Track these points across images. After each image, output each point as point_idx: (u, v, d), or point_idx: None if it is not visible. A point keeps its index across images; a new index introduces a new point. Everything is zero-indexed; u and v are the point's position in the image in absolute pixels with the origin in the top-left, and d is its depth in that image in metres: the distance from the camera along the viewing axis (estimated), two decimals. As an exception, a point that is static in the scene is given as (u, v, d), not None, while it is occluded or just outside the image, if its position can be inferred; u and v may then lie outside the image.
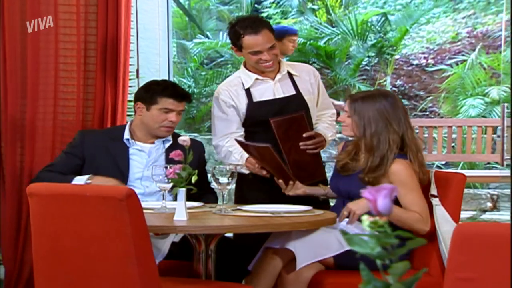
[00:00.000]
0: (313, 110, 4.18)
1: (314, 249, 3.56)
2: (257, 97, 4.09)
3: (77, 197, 3.09)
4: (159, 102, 3.97)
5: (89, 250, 3.09)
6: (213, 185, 3.67)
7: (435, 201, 3.68)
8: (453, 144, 8.01)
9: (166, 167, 3.50)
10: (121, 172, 3.92)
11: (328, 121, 4.26)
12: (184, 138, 3.48)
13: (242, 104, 4.07)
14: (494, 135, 7.65)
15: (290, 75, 4.17)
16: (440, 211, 3.66)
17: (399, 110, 3.64)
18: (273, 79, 4.11)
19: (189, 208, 3.39)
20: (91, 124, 5.06)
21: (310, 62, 11.31)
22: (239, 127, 4.09)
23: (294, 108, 4.04)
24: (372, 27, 10.98)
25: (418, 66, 12.46)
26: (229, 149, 4.05)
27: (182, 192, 3.39)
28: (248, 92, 4.09)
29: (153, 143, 4.05)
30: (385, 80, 11.41)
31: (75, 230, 3.11)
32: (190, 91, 10.47)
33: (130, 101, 5.34)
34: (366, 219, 1.71)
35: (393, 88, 11.64)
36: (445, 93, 10.84)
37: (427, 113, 11.61)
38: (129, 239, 3.00)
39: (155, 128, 4.00)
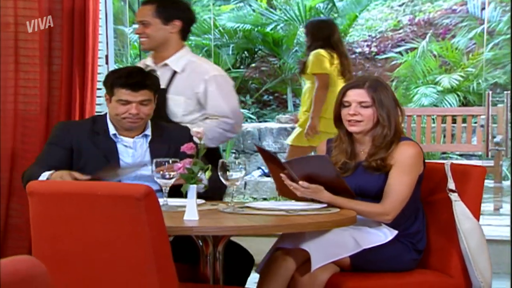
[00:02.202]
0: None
1: (330, 248, 3.37)
2: None
3: (86, 197, 2.83)
4: (115, 93, 3.65)
5: (99, 256, 2.83)
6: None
7: (454, 197, 3.53)
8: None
9: (168, 162, 3.27)
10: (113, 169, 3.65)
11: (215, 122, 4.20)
12: (198, 130, 3.22)
13: None
14: (475, 124, 7.60)
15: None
16: (460, 208, 3.51)
17: None
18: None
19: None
20: (56, 115, 4.78)
21: (256, 49, 11.13)
22: None
23: None
24: (320, 13, 10.83)
25: (361, 54, 12.40)
26: None
27: (193, 189, 3.15)
28: None
29: (133, 137, 3.75)
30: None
31: (82, 234, 2.84)
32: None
33: (99, 89, 5.07)
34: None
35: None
36: (396, 81, 10.77)
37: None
38: (147, 243, 2.75)
39: (119, 121, 3.69)
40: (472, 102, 10.30)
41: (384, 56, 11.18)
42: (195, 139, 3.27)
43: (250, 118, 10.49)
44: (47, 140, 3.84)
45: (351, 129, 3.54)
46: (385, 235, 3.47)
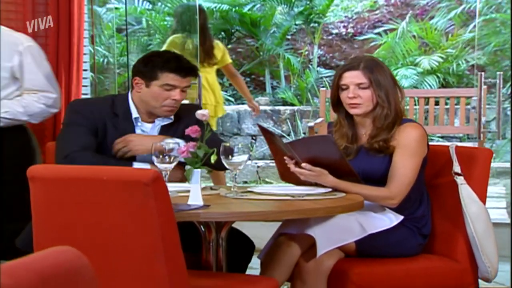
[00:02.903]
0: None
1: (335, 234, 3.31)
2: None
3: (91, 182, 2.74)
4: (160, 77, 3.52)
5: (105, 244, 2.74)
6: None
7: (460, 180, 3.48)
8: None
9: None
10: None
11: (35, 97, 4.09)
12: (203, 112, 3.14)
13: None
14: (468, 106, 7.58)
15: None
16: (466, 191, 3.46)
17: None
18: None
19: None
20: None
21: (233, 30, 11.02)
22: None
23: None
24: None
25: (337, 35, 12.35)
26: None
27: (197, 173, 3.07)
28: None
29: (153, 122, 3.65)
30: (307, 50, 11.21)
31: (87, 221, 2.75)
32: (105, 61, 10.05)
33: (85, 70, 4.98)
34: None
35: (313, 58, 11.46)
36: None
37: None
38: (156, 231, 2.67)
39: (156, 108, 3.57)
40: (451, 83, 10.30)
41: (363, 37, 11.13)
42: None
43: (228, 100, 10.40)
44: (67, 120, 3.64)
45: (353, 111, 3.48)
46: (390, 220, 3.42)
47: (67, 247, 1.35)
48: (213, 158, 3.11)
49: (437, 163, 3.58)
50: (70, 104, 3.73)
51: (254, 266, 3.72)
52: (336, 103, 3.56)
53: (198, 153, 3.07)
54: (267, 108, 9.82)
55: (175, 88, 3.53)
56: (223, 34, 10.97)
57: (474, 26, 10.37)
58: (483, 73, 6.01)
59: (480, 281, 3.52)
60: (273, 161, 8.88)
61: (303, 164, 3.28)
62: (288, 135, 9.62)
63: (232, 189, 3.32)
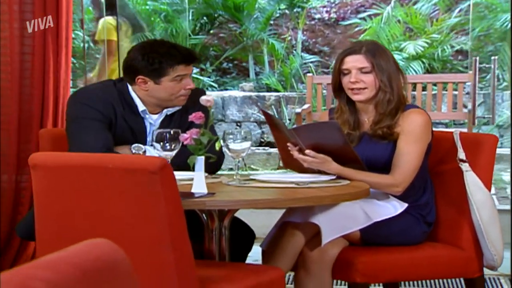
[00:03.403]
0: None
1: (340, 222, 3.27)
2: None
3: (96, 170, 2.68)
4: (169, 73, 3.45)
5: (110, 234, 2.68)
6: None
7: (465, 167, 3.45)
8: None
9: (169, 133, 3.13)
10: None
11: None
12: (208, 98, 3.09)
13: None
14: (455, 92, 7.55)
15: None
16: (471, 178, 3.43)
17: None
18: None
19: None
20: (29, 84, 4.59)
21: (216, 15, 10.95)
22: None
23: None
24: (281, -22, 10.71)
25: (320, 20, 12.31)
26: None
27: (201, 161, 3.02)
28: None
29: (160, 112, 3.58)
30: (290, 35, 11.16)
31: (91, 209, 2.70)
32: (86, 46, 9.94)
33: (74, 55, 4.91)
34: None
35: (296, 43, 11.41)
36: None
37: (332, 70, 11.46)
38: (163, 220, 2.62)
39: (172, 100, 3.51)
40: (436, 69, 10.29)
41: (348, 22, 11.09)
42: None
43: (212, 86, 10.33)
44: (79, 114, 3.51)
45: (356, 97, 3.44)
46: (395, 207, 3.39)
47: (102, 240, 1.30)
48: (217, 146, 3.06)
49: (441, 149, 3.55)
50: (77, 96, 3.59)
51: (255, 256, 3.68)
52: (338, 88, 3.52)
53: (202, 140, 3.02)
54: (252, 94, 9.77)
55: (186, 77, 3.49)
56: (206, 19, 10.90)
57: (459, 10, 10.38)
58: (477, 58, 5.97)
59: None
60: (258, 147, 8.87)
61: (307, 151, 3.24)
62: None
63: (234, 176, 3.27)
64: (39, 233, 2.79)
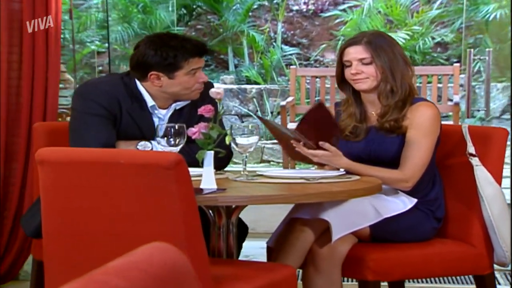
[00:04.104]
0: None
1: (350, 218, 3.21)
2: None
3: (107, 165, 2.59)
4: (184, 66, 3.36)
5: (122, 233, 2.60)
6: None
7: (475, 161, 3.41)
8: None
9: (174, 127, 3.04)
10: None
11: None
12: (218, 90, 3.00)
13: None
14: (440, 85, 7.50)
15: None
16: (481, 173, 3.39)
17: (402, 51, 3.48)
18: None
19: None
20: (17, 76, 4.48)
21: (195, 6, 10.84)
22: None
23: None
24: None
25: (298, 12, 12.25)
26: None
27: (210, 155, 2.94)
28: None
29: (169, 106, 3.49)
30: (268, 27, 11.08)
31: (102, 208, 2.61)
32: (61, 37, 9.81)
33: (63, 46, 4.81)
34: None
35: (275, 35, 11.34)
36: (342, 40, 10.65)
37: (312, 62, 11.43)
38: (177, 217, 2.54)
39: (187, 94, 3.43)
40: (417, 61, 10.27)
41: (329, 14, 11.04)
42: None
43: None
44: (83, 108, 3.41)
45: (358, 86, 3.39)
46: (404, 203, 3.34)
47: (164, 244, 1.22)
48: (228, 140, 2.99)
49: (449, 143, 3.51)
50: (82, 90, 3.48)
51: (253, 252, 3.62)
52: (341, 80, 3.47)
53: (211, 134, 2.95)
54: (233, 86, 9.68)
55: (199, 69, 3.42)
56: (184, 10, 10.78)
57: (440, 3, 10.37)
58: (472, 49, 5.94)
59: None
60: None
61: (321, 143, 3.18)
62: (255, 114, 9.51)
63: (242, 172, 3.20)
64: (46, 230, 2.70)
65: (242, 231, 3.62)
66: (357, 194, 2.98)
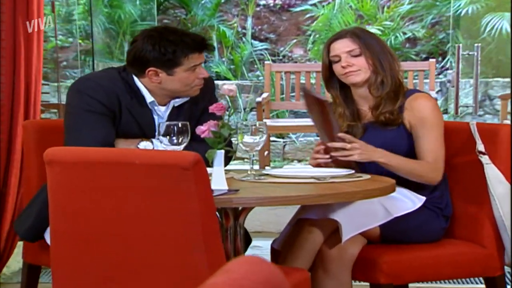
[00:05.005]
0: None
1: (360, 218, 3.14)
2: None
3: (121, 166, 2.49)
4: (184, 62, 3.23)
5: (135, 236, 2.50)
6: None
7: (485, 159, 3.35)
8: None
9: (177, 125, 2.94)
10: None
11: None
12: (230, 87, 2.91)
13: None
14: (415, 80, 7.45)
15: None
16: (492, 171, 3.34)
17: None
18: None
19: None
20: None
21: (163, 0, 10.70)
22: None
23: None
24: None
25: (265, 7, 12.17)
26: None
27: (220, 155, 2.85)
28: None
29: (168, 103, 3.37)
30: (235, 22, 10.99)
31: (115, 210, 2.51)
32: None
33: (45, 41, 4.68)
34: None
35: (243, 30, 11.25)
36: (313, 36, 10.60)
37: (280, 57, 11.35)
38: (196, 219, 2.45)
39: (187, 90, 3.30)
40: (389, 57, 10.23)
41: (299, 8, 10.96)
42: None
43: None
44: (79, 104, 3.28)
45: (351, 79, 3.33)
46: (413, 201, 3.27)
47: (257, 258, 1.13)
48: (240, 138, 2.90)
49: (456, 141, 3.45)
50: (78, 85, 3.35)
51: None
52: (329, 79, 3.40)
53: (222, 133, 2.85)
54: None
55: (199, 65, 3.30)
56: (152, 4, 10.62)
57: (411, -2, 10.36)
58: (460, 45, 5.90)
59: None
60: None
61: (340, 134, 3.11)
62: (227, 110, 9.40)
63: (249, 172, 3.11)
64: (54, 233, 2.60)
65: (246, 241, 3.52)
66: (373, 194, 2.90)
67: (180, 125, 2.95)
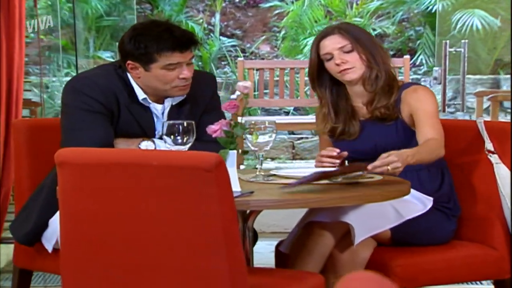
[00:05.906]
0: None
1: (371, 220, 3.06)
2: None
3: (138, 168, 2.38)
4: (158, 59, 3.08)
5: (152, 241, 2.40)
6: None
7: (494, 158, 3.30)
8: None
9: (182, 124, 2.83)
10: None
11: None
12: (245, 84, 2.81)
13: None
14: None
15: None
16: (502, 171, 3.28)
17: None
18: None
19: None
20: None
21: (129, -5, 10.55)
22: None
23: None
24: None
25: (231, 2, 12.09)
26: None
27: (233, 155, 2.76)
28: None
29: (163, 102, 3.24)
30: (201, 18, 10.89)
31: (131, 214, 2.40)
32: None
33: (27, 36, 4.56)
34: None
35: (209, 27, 11.15)
36: (283, 32, 10.53)
37: (247, 54, 11.27)
38: (217, 223, 2.35)
39: (167, 90, 3.15)
40: (358, 54, 10.21)
41: (268, 4, 10.89)
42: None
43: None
44: (76, 103, 3.15)
45: (348, 77, 3.26)
46: (423, 203, 3.20)
47: (370, 274, 1.05)
48: (254, 139, 2.81)
49: (462, 139, 3.39)
50: (74, 84, 3.22)
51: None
52: (317, 77, 3.32)
53: (236, 132, 2.76)
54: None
55: (180, 65, 3.11)
56: (118, -1, 10.48)
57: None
58: (448, 41, 5.86)
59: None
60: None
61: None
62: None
63: (258, 172, 3.01)
64: (65, 238, 2.48)
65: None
66: (393, 196, 2.82)
67: (185, 124, 2.84)
